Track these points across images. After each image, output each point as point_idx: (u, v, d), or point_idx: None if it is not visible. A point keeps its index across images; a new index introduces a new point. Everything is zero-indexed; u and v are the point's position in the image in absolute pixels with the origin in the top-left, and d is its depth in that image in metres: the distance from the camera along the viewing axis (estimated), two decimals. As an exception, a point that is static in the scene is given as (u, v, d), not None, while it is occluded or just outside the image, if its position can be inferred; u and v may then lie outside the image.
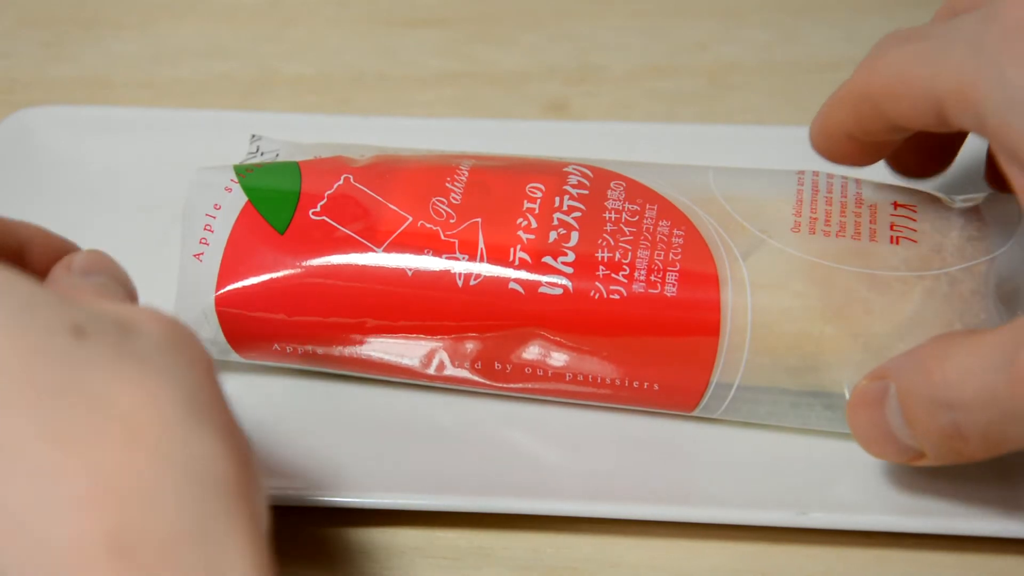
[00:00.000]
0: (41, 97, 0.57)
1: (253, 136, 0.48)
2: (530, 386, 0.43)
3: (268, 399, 0.45)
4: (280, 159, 0.45)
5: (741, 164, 0.52)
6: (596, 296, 0.40)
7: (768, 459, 0.43)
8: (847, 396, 0.40)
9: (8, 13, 0.63)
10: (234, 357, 0.44)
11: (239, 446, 0.30)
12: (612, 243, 0.41)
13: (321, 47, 0.61)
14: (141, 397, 0.28)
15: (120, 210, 0.52)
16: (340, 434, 0.44)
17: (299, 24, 0.62)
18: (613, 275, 0.41)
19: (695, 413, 0.43)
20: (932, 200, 0.43)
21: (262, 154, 0.46)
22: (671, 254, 0.41)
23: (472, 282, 0.41)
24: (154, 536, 0.27)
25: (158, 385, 0.29)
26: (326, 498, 0.41)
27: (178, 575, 0.26)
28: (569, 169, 0.44)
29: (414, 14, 0.63)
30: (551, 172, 0.44)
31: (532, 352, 0.42)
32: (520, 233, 0.41)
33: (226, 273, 0.42)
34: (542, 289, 0.41)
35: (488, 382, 0.43)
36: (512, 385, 0.43)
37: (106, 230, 0.50)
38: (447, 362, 0.43)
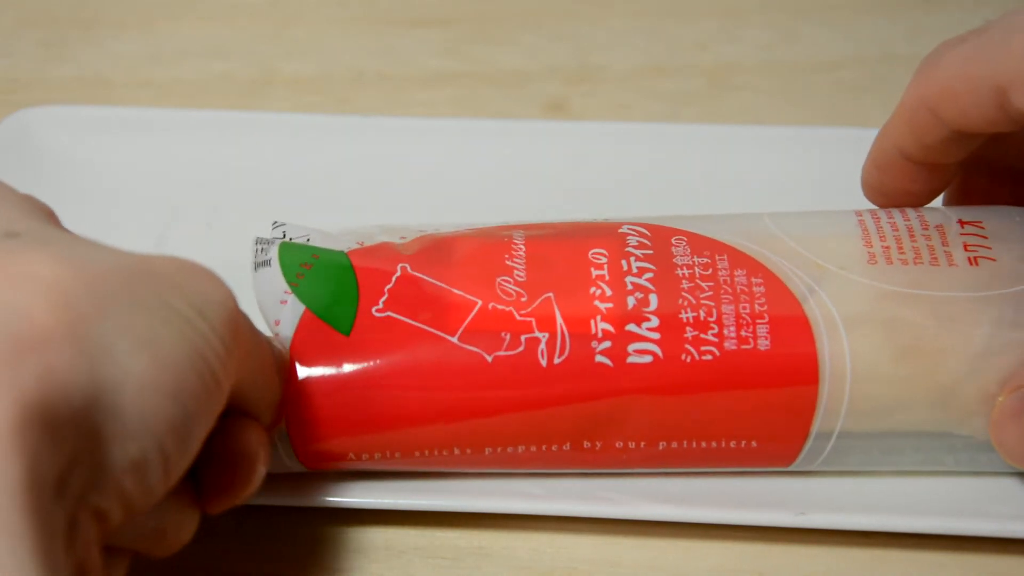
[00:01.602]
0: (41, 97, 0.57)
1: (275, 223, 0.43)
2: (622, 460, 0.40)
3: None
4: (311, 244, 0.42)
5: (741, 164, 0.52)
6: (688, 359, 0.38)
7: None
8: (964, 433, 0.39)
9: (8, 13, 0.63)
10: (300, 468, 0.41)
11: (109, 343, 0.29)
12: (694, 301, 0.39)
13: (321, 47, 0.61)
14: (22, 262, 0.29)
15: (120, 210, 0.52)
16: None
17: (299, 24, 0.62)
18: (702, 335, 0.38)
19: (792, 468, 0.41)
20: (993, 213, 0.41)
21: (289, 239, 0.42)
22: (756, 304, 0.39)
23: (556, 360, 0.38)
24: None
25: (47, 261, 0.29)
26: (326, 498, 0.41)
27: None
28: (624, 230, 0.41)
29: (414, 14, 0.63)
30: (607, 235, 0.41)
31: (623, 425, 0.39)
32: (597, 303, 0.39)
33: (293, 390, 0.39)
34: (631, 359, 0.38)
35: (577, 464, 0.41)
36: (603, 463, 0.40)
37: (106, 230, 0.50)
38: (533, 449, 0.40)
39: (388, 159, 0.53)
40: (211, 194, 0.50)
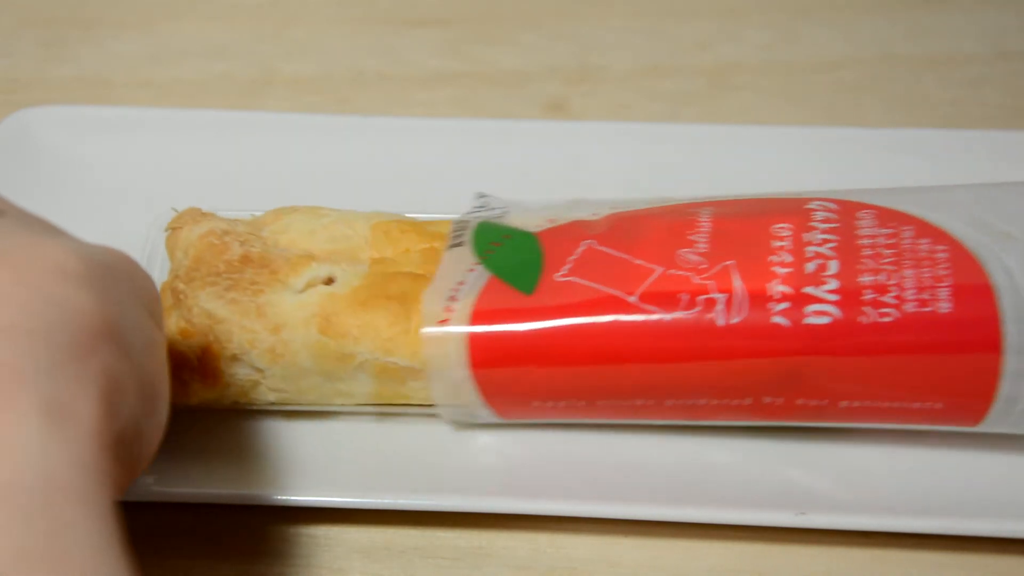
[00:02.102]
0: (41, 97, 0.57)
1: (479, 194, 0.47)
2: (805, 415, 0.41)
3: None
4: (507, 218, 0.45)
5: (741, 164, 0.52)
6: (867, 321, 0.39)
7: (768, 459, 0.43)
8: None
9: (8, 13, 0.63)
10: (495, 419, 0.43)
11: (119, 314, 0.33)
12: (874, 266, 0.40)
13: (321, 47, 0.61)
14: (27, 245, 0.32)
15: (120, 210, 0.52)
16: (340, 435, 0.44)
17: (299, 24, 0.62)
18: (881, 298, 0.39)
19: (979, 429, 0.41)
20: None
21: (491, 210, 0.46)
22: (939, 270, 0.39)
23: (733, 320, 0.39)
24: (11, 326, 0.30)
25: (51, 245, 0.32)
26: (326, 499, 0.41)
27: (11, 356, 0.29)
28: (813, 205, 0.43)
29: (414, 14, 0.63)
30: (794, 211, 0.42)
31: (803, 383, 0.40)
32: (776, 269, 0.40)
33: (476, 337, 0.41)
34: (807, 320, 0.39)
35: (759, 417, 0.42)
36: (785, 416, 0.41)
37: (106, 230, 0.50)
38: (714, 403, 0.41)
39: (388, 159, 0.53)
40: (211, 194, 0.50)
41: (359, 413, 0.44)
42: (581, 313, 0.41)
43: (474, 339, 0.41)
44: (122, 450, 0.32)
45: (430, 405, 0.43)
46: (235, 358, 0.42)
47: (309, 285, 0.43)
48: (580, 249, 0.42)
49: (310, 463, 0.43)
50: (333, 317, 0.42)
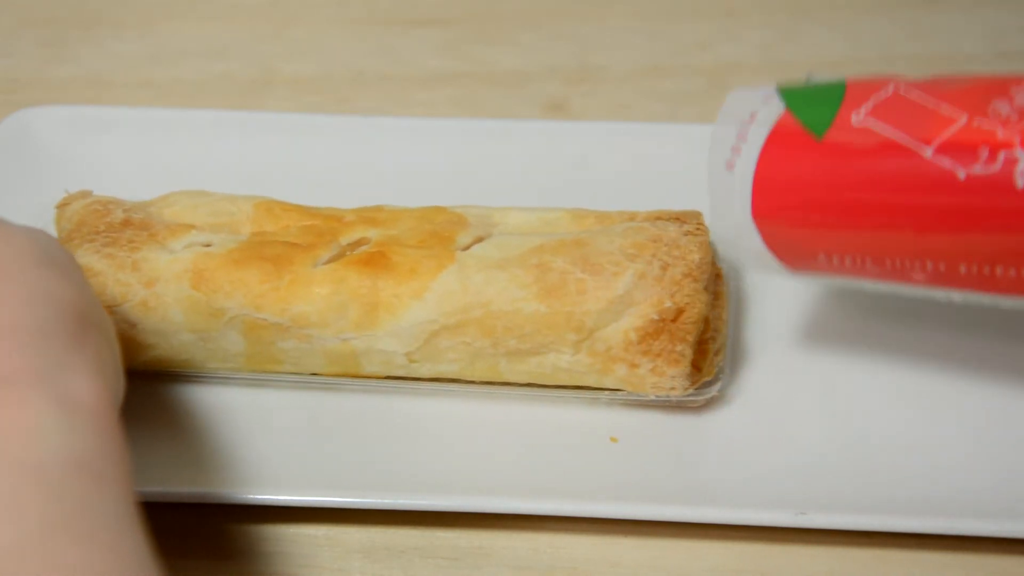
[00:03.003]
0: (41, 97, 0.57)
1: (809, 76, 0.44)
2: None
3: (265, 405, 0.45)
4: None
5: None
6: None
7: (768, 459, 0.43)
8: None
9: (8, 13, 0.63)
10: (782, 269, 0.42)
11: (87, 294, 0.35)
12: None
13: (321, 47, 0.61)
14: (4, 248, 0.33)
15: (120, 210, 0.52)
16: (340, 436, 0.44)
17: (299, 24, 0.62)
18: None
19: None
20: None
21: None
22: None
23: None
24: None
25: (16, 235, 0.34)
26: (327, 499, 0.41)
27: (18, 357, 0.31)
28: None
29: (414, 14, 0.63)
30: None
31: None
32: None
33: (761, 183, 0.40)
34: None
35: None
36: None
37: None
38: (1013, 270, 0.38)
39: (388, 159, 0.53)
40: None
41: (235, 381, 0.45)
42: (869, 164, 0.38)
43: (758, 186, 0.40)
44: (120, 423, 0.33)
45: (302, 374, 0.44)
46: (109, 310, 0.43)
47: (187, 248, 0.44)
48: (886, 91, 0.40)
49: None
50: (206, 272, 0.43)
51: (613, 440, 0.44)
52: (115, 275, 0.43)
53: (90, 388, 0.32)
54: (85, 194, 0.47)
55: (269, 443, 0.43)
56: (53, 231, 0.47)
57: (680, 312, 0.42)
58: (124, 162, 0.53)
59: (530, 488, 0.42)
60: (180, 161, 0.53)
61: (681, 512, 0.41)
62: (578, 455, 0.43)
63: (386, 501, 0.41)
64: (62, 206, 0.47)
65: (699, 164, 0.52)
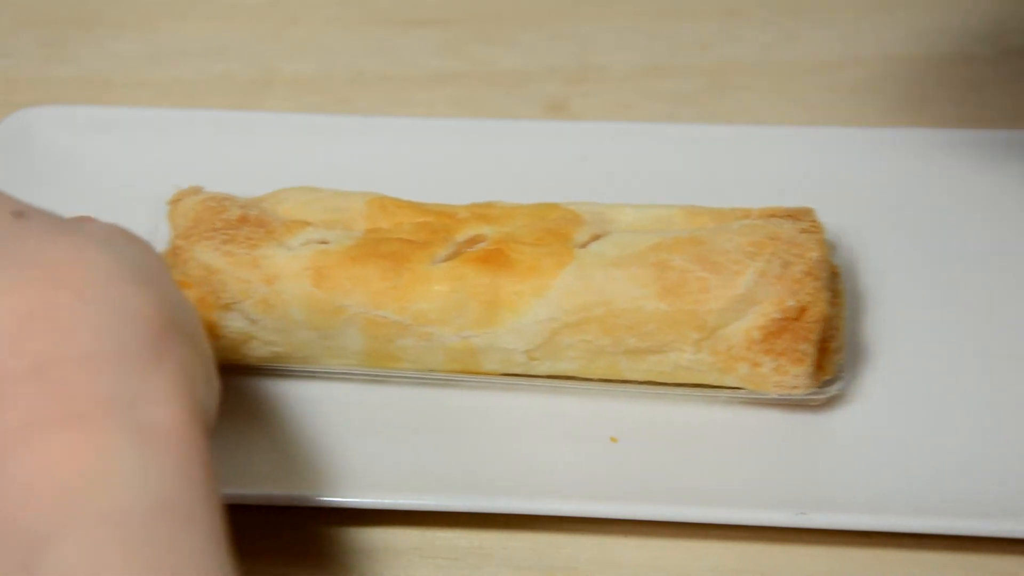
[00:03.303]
0: (41, 97, 0.57)
1: None
2: None
3: (266, 402, 0.45)
4: None
5: (741, 164, 0.52)
6: None
7: (768, 459, 0.43)
8: None
9: (8, 13, 0.62)
10: None
11: (170, 301, 0.33)
12: None
13: (321, 47, 0.61)
14: (70, 253, 0.32)
15: (120, 210, 0.51)
16: (340, 436, 0.44)
17: (299, 24, 0.62)
18: None
19: None
20: None
21: None
22: None
23: None
24: (72, 355, 0.29)
25: (88, 247, 0.32)
26: (326, 499, 0.41)
27: (94, 387, 0.29)
28: None
29: (414, 14, 0.63)
30: None
31: None
32: None
33: None
34: None
35: None
36: None
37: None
38: None
39: (388, 159, 0.53)
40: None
41: (351, 377, 0.45)
42: None
43: None
44: (207, 440, 0.32)
45: (419, 370, 0.44)
46: (228, 307, 0.43)
47: (304, 245, 0.44)
48: None
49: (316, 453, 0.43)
50: (325, 270, 0.43)
51: (613, 440, 0.44)
52: (235, 272, 0.43)
53: (171, 413, 0.30)
54: (196, 190, 0.47)
55: (269, 444, 0.44)
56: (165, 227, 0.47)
57: (803, 310, 0.42)
58: (124, 162, 0.53)
59: (530, 488, 0.42)
60: (180, 161, 0.53)
61: (681, 512, 0.41)
62: (578, 455, 0.43)
63: (386, 501, 0.41)
64: (174, 202, 0.47)
65: (699, 164, 0.52)
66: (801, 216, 0.45)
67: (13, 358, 0.29)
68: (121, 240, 0.34)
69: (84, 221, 0.35)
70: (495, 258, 0.43)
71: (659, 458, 0.43)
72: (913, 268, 0.49)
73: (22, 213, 0.33)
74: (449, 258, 0.44)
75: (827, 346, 0.44)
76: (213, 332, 0.43)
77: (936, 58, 0.59)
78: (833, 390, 0.44)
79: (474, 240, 0.45)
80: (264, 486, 0.42)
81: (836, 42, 0.60)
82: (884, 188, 0.51)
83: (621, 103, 0.58)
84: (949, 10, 0.62)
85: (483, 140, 0.53)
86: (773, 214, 0.46)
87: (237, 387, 0.45)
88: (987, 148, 0.52)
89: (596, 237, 0.45)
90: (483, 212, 0.46)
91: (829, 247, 0.45)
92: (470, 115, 0.58)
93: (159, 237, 0.48)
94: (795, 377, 0.43)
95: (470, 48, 0.61)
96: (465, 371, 0.45)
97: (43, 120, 0.54)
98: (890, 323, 0.47)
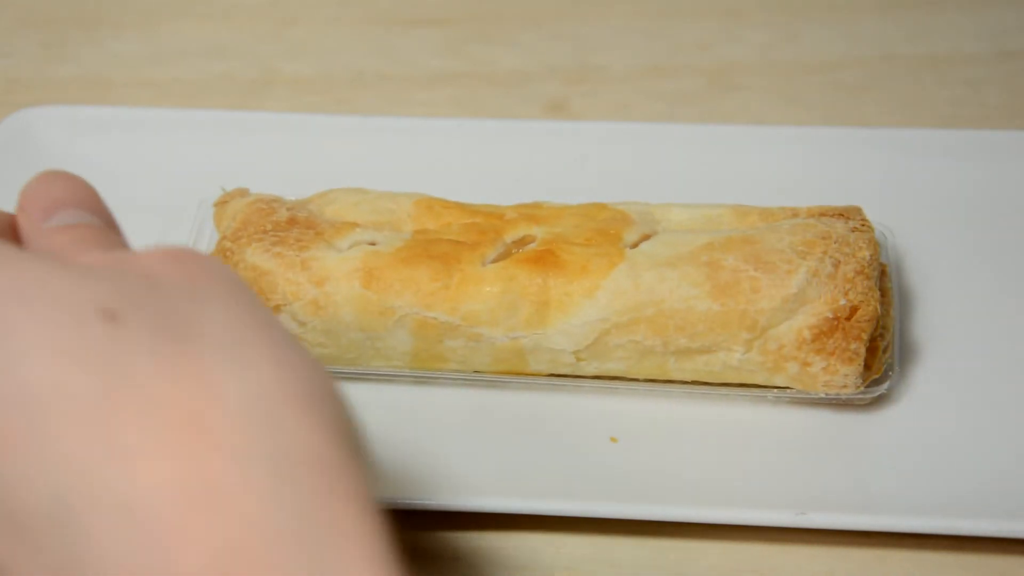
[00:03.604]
0: (41, 97, 0.57)
1: None
2: None
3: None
4: None
5: (741, 164, 0.52)
6: None
7: (768, 459, 0.43)
8: None
9: (8, 13, 0.63)
10: None
11: (333, 414, 0.26)
12: None
13: (321, 47, 0.61)
14: (195, 388, 0.25)
15: (120, 210, 0.51)
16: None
17: (299, 24, 0.62)
18: None
19: None
20: None
21: None
22: None
23: None
24: (256, 547, 0.24)
25: (210, 370, 0.25)
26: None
27: (274, 569, 0.24)
28: None
29: (414, 14, 0.63)
30: None
31: None
32: None
33: None
34: None
35: None
36: None
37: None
38: None
39: (388, 159, 0.53)
40: (212, 194, 0.50)
41: (396, 379, 0.45)
42: None
43: None
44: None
45: (464, 371, 0.44)
46: (278, 308, 0.43)
47: (353, 247, 0.44)
48: None
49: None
50: (376, 271, 0.43)
51: (613, 440, 0.44)
52: (285, 274, 0.43)
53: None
54: (243, 192, 0.47)
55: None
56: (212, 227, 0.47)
57: (854, 310, 0.42)
58: (124, 162, 0.53)
59: (531, 488, 0.42)
60: (180, 161, 0.53)
61: (681, 512, 0.41)
62: (578, 455, 0.43)
63: (386, 501, 0.41)
64: (221, 204, 0.47)
65: (699, 164, 0.52)
66: (851, 215, 0.45)
67: (194, 558, 0.24)
68: (218, 303, 0.27)
69: (151, 268, 0.28)
70: (546, 259, 0.43)
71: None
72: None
73: (112, 313, 0.26)
74: (499, 259, 0.44)
75: (876, 345, 0.44)
76: None
77: (936, 58, 0.59)
78: (881, 389, 0.44)
79: (524, 241, 0.45)
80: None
81: (836, 42, 0.60)
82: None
83: (621, 103, 0.58)
84: (949, 10, 0.62)
85: (483, 140, 0.53)
86: (823, 213, 0.46)
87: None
88: (986, 148, 0.52)
89: (646, 237, 0.45)
90: (531, 213, 0.46)
91: (878, 245, 0.45)
92: (470, 115, 0.58)
93: (167, 239, 0.48)
94: (845, 376, 0.43)
95: (470, 48, 0.61)
96: (511, 372, 0.45)
97: (43, 120, 0.54)
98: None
